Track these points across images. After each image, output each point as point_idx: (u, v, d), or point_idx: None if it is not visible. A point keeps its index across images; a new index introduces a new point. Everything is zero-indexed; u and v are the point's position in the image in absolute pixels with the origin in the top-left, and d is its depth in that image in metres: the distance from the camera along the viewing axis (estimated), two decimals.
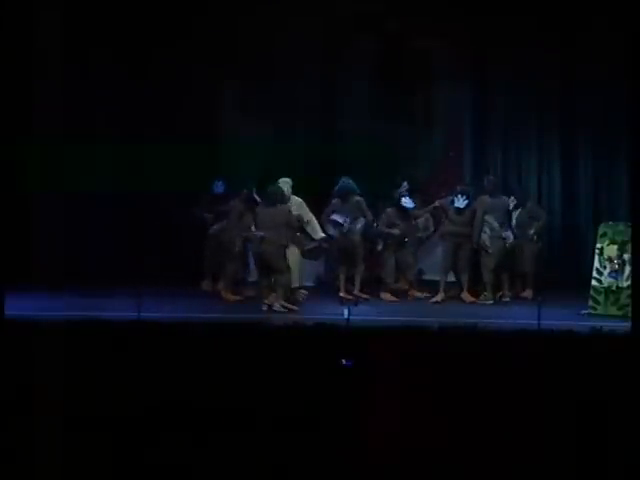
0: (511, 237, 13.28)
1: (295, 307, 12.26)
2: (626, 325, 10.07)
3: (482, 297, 13.16)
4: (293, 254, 12.64)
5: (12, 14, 12.01)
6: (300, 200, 12.90)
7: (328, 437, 6.51)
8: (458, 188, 13.43)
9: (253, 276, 14.15)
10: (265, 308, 12.16)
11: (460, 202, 13.23)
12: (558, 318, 11.07)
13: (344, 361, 7.78)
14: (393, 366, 7.60)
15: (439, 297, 13.21)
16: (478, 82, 15.34)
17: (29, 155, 13.28)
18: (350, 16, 14.95)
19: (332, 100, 15.35)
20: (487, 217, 13.15)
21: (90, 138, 14.52)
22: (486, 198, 13.29)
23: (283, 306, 12.14)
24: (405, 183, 14.08)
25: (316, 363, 7.75)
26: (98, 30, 14.41)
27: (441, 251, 13.56)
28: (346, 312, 10.92)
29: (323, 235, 13.00)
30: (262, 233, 12.39)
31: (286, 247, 12.30)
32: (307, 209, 12.93)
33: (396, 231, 13.30)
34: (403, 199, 13.34)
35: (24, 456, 6.15)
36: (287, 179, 12.89)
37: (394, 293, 13.41)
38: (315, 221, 12.97)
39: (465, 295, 13.27)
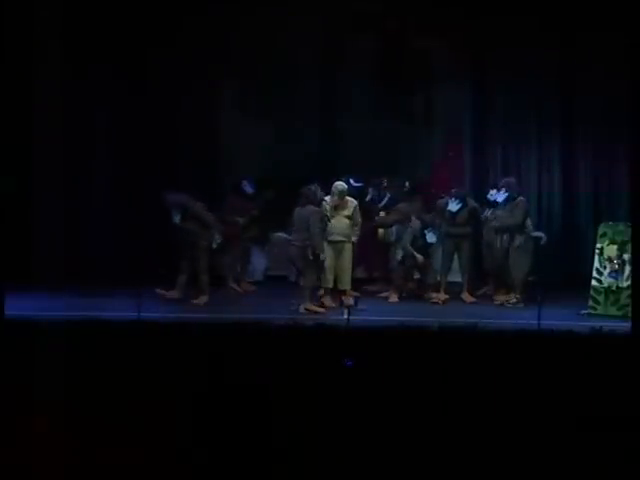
0: (544, 237, 13.22)
1: (321, 309, 12.20)
2: (626, 325, 10.09)
3: (514, 300, 12.80)
4: (346, 256, 12.68)
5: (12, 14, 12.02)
6: (356, 202, 12.87)
7: (327, 437, 6.52)
8: (452, 191, 13.39)
9: (255, 276, 14.23)
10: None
11: (453, 206, 13.17)
12: (558, 318, 11.08)
13: (345, 361, 7.79)
14: (393, 366, 7.60)
15: (440, 297, 13.19)
16: (478, 82, 15.32)
17: (30, 156, 13.30)
18: (349, 16, 14.96)
19: (331, 100, 15.35)
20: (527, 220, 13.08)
21: (90, 139, 14.55)
22: (525, 200, 13.19)
23: (307, 309, 12.14)
24: (407, 183, 14.08)
25: (316, 363, 7.75)
26: (97, 30, 14.39)
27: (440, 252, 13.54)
28: (346, 312, 10.96)
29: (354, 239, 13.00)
30: (284, 234, 12.77)
31: (308, 248, 12.24)
32: (359, 211, 12.92)
33: (420, 258, 13.24)
34: (427, 232, 13.29)
35: (24, 456, 6.15)
36: (341, 182, 12.84)
37: (401, 295, 13.39)
38: (360, 224, 12.98)
39: (465, 295, 13.26)
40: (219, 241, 12.62)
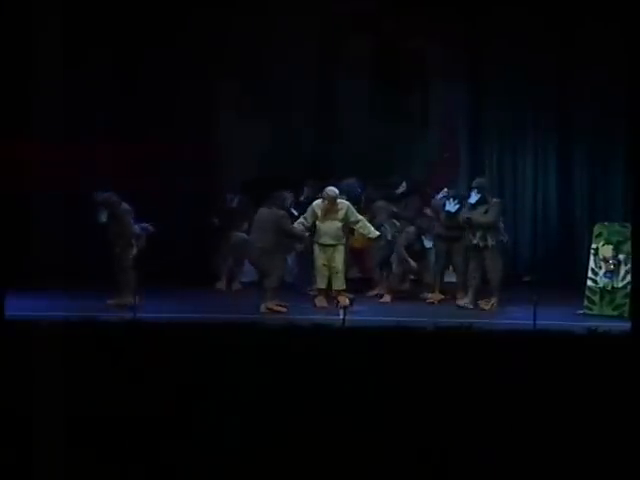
0: (507, 238, 13.16)
1: (283, 309, 12.30)
2: (622, 325, 10.11)
3: (493, 303, 12.64)
4: (339, 258, 12.76)
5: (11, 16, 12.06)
6: (347, 203, 12.90)
7: (326, 438, 6.56)
8: (450, 192, 13.34)
9: (247, 277, 14.27)
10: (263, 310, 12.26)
11: (452, 206, 13.06)
12: (554, 318, 11.11)
13: None
14: (389, 366, 7.63)
15: (435, 297, 13.22)
16: (474, 82, 15.39)
17: (29, 155, 13.34)
18: (345, 16, 14.99)
19: (327, 100, 15.40)
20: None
21: (90, 139, 14.59)
22: (500, 201, 13.03)
23: (269, 308, 12.20)
24: (404, 183, 14.11)
25: (312, 363, 7.78)
26: (95, 31, 14.44)
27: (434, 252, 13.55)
28: (341, 313, 11.01)
29: (378, 233, 13.03)
30: (244, 235, 12.98)
31: (272, 250, 12.31)
32: (355, 211, 12.93)
33: (413, 264, 13.26)
34: (424, 238, 13.30)
35: (24, 456, 6.19)
36: (332, 187, 12.87)
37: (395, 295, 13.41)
38: (365, 220, 12.98)
39: (461, 296, 13.27)
40: (139, 246, 12.56)
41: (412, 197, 14.03)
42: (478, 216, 12.65)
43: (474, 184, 12.93)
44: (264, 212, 12.46)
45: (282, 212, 12.49)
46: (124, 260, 12.48)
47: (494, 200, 12.82)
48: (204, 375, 7.46)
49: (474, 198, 12.71)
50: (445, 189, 13.48)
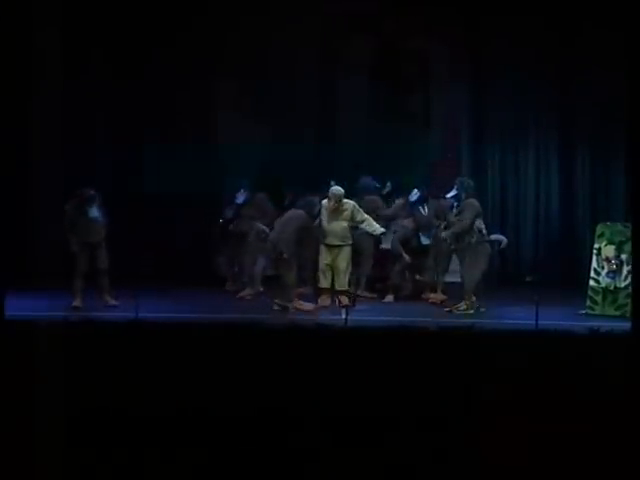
0: (505, 240, 13.07)
1: (289, 305, 12.23)
2: (624, 325, 10.09)
3: (463, 307, 12.25)
4: (343, 259, 12.71)
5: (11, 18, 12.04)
6: (353, 202, 12.83)
7: (328, 437, 6.54)
8: (420, 192, 13.32)
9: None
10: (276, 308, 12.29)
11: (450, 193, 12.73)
12: (556, 318, 11.09)
13: None
14: (391, 366, 7.62)
15: (437, 298, 13.18)
16: (476, 83, 15.36)
17: (29, 156, 13.34)
18: (346, 16, 14.97)
19: (327, 100, 15.38)
20: (477, 221, 12.40)
21: (90, 140, 14.58)
22: (475, 201, 12.52)
23: (278, 304, 12.22)
24: (389, 184, 14.04)
25: (314, 363, 7.76)
26: (95, 28, 14.43)
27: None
28: (344, 313, 11.00)
29: (383, 230, 12.94)
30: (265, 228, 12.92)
31: (289, 251, 12.22)
32: (361, 210, 12.85)
33: (407, 258, 13.21)
34: (421, 235, 13.24)
35: (24, 456, 6.17)
36: (337, 187, 12.83)
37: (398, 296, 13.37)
38: (371, 219, 12.87)
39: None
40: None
41: (396, 197, 13.88)
42: (454, 220, 12.44)
43: (455, 181, 12.69)
44: (289, 213, 12.46)
45: (301, 213, 12.40)
46: (105, 260, 12.41)
47: (468, 201, 12.42)
48: (204, 375, 7.44)
49: (449, 195, 12.58)
50: (415, 189, 13.42)
